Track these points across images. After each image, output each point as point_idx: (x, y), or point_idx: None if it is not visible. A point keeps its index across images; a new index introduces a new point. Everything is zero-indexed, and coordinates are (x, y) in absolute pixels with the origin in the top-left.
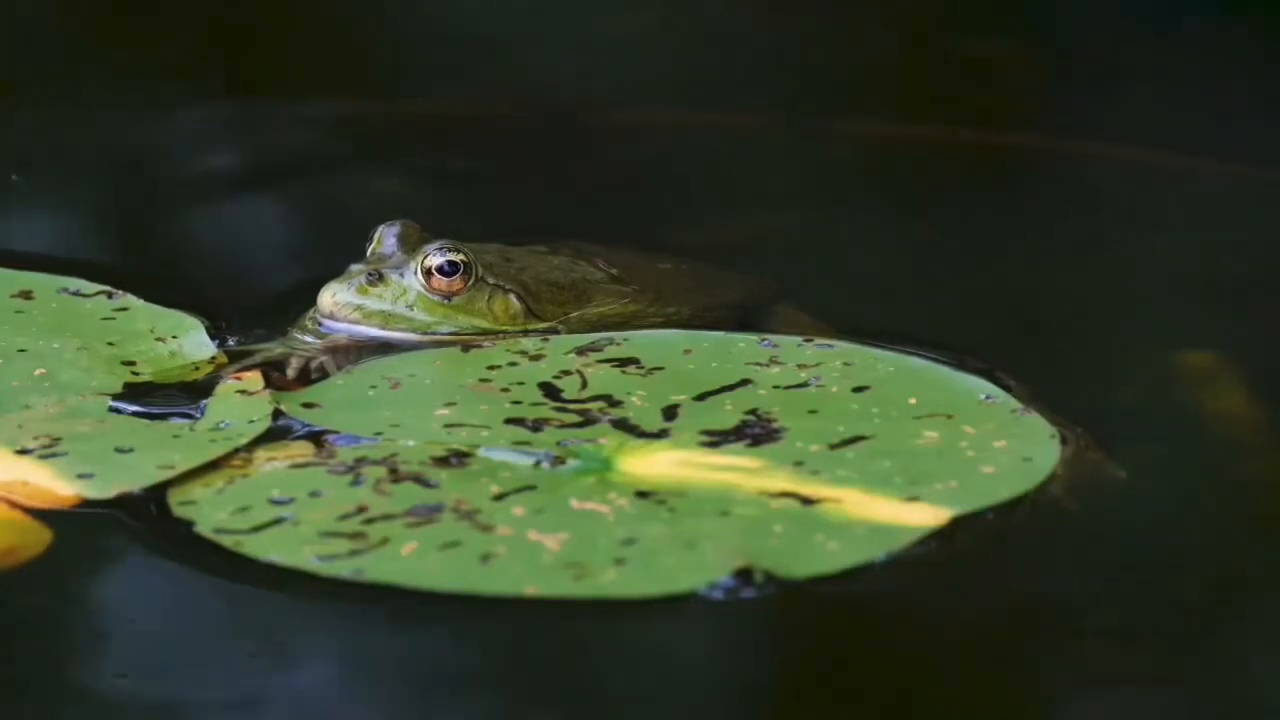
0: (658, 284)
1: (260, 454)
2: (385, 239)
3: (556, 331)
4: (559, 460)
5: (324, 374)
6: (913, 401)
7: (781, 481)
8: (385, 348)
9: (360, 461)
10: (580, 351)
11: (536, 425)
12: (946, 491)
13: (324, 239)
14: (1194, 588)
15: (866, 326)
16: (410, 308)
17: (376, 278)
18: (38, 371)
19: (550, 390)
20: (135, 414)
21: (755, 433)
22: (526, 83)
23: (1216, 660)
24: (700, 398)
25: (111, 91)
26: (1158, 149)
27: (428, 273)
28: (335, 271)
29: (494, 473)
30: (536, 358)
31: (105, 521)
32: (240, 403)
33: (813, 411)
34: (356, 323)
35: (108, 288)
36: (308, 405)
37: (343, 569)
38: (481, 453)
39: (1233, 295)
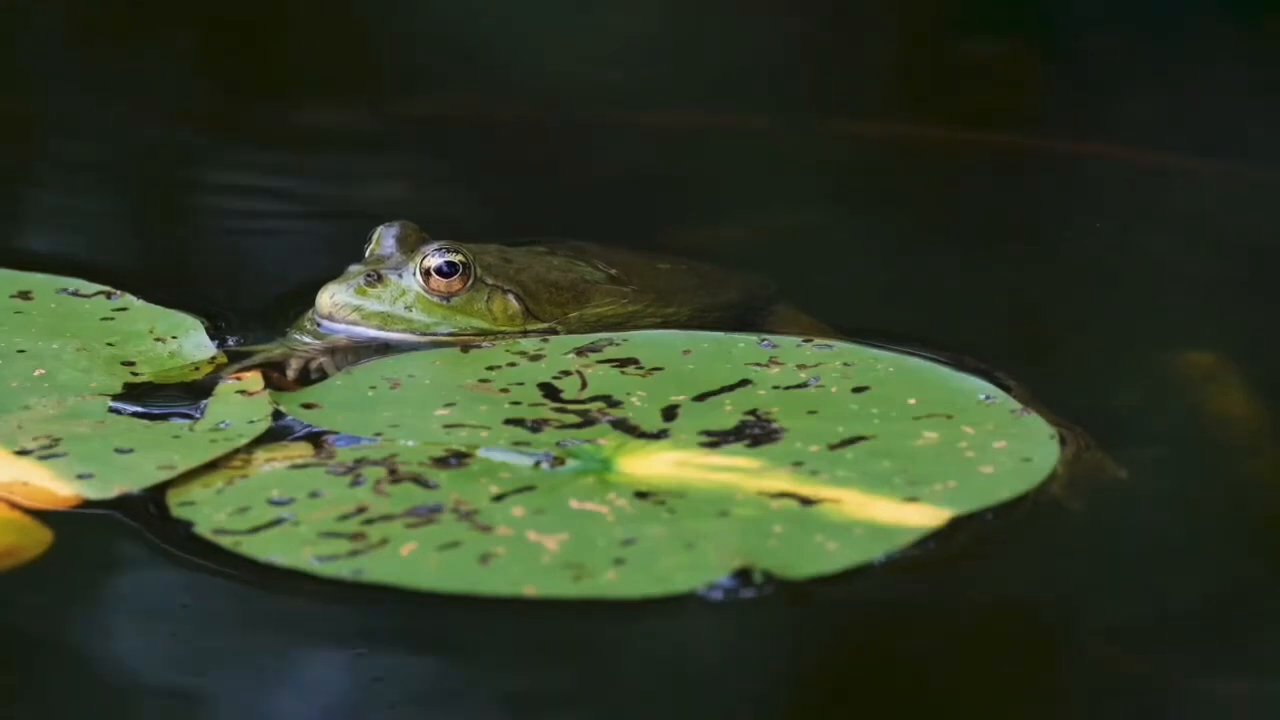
0: (657, 284)
1: (260, 454)
2: (384, 240)
3: (555, 332)
4: (558, 461)
5: (323, 375)
6: (912, 402)
7: (781, 482)
8: (384, 348)
9: (360, 462)
10: (580, 352)
11: (536, 426)
12: (946, 492)
13: (323, 239)
14: (1194, 587)
15: (866, 326)
16: (409, 309)
17: (375, 279)
18: (37, 372)
19: (550, 391)
20: (135, 414)
21: (755, 433)
22: (527, 83)
23: (1216, 660)
24: (700, 398)
25: (111, 91)
26: (1158, 149)
27: (426, 273)
28: (334, 272)
29: (493, 473)
30: (536, 358)
31: (105, 522)
32: (240, 403)
33: (812, 412)
34: (355, 324)
35: (107, 288)
36: (307, 406)
37: (342, 569)
38: (481, 453)
39: (1233, 295)
